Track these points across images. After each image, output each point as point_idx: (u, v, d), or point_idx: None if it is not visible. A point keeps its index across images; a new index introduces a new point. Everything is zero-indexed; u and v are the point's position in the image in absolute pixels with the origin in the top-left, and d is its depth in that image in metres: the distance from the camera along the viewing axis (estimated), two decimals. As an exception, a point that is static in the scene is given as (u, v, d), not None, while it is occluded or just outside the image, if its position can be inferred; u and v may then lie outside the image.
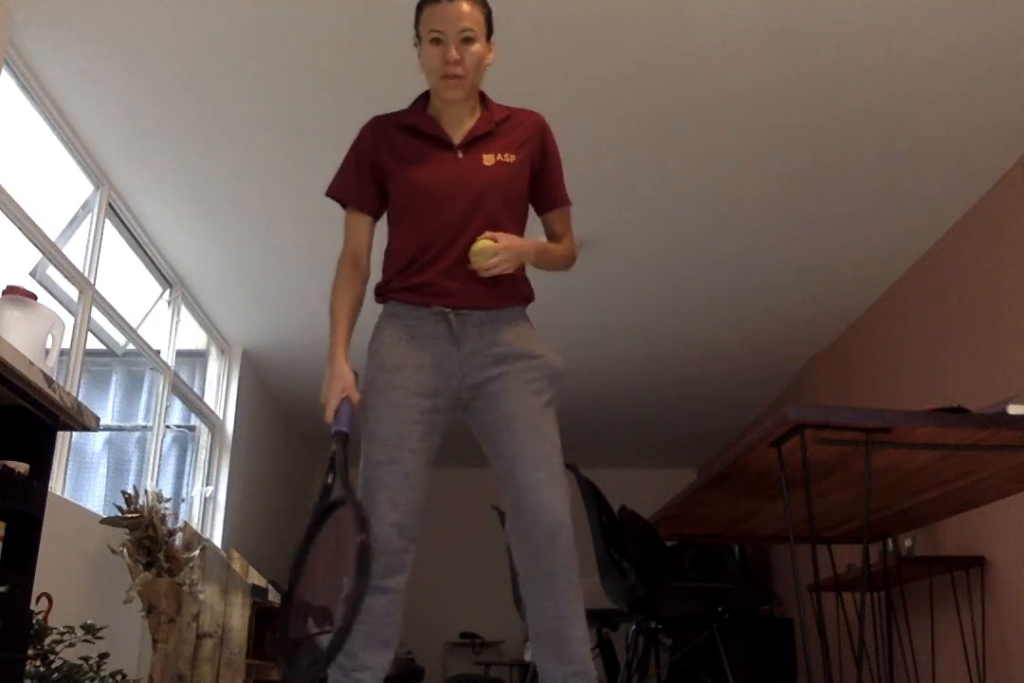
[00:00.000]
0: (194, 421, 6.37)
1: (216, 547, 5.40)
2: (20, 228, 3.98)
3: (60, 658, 3.20)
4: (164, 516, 4.25)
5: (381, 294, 2.16)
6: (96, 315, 4.76)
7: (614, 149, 4.45)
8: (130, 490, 4.27)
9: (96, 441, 5.13)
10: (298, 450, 8.91)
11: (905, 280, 5.63)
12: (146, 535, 4.15)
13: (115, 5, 3.54)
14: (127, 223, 5.04)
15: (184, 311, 6.01)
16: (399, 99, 2.36)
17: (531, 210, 2.25)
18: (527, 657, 7.37)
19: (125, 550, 4.16)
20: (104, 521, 4.17)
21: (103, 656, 3.46)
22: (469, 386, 2.08)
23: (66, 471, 4.36)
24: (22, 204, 3.93)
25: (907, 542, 5.25)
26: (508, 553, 4.60)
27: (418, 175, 2.10)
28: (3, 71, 3.74)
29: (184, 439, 6.31)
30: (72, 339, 4.51)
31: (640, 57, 3.83)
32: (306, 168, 4.57)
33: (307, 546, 1.88)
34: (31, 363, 2.36)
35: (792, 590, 7.66)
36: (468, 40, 2.06)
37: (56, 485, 4.20)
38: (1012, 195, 4.52)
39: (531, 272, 2.23)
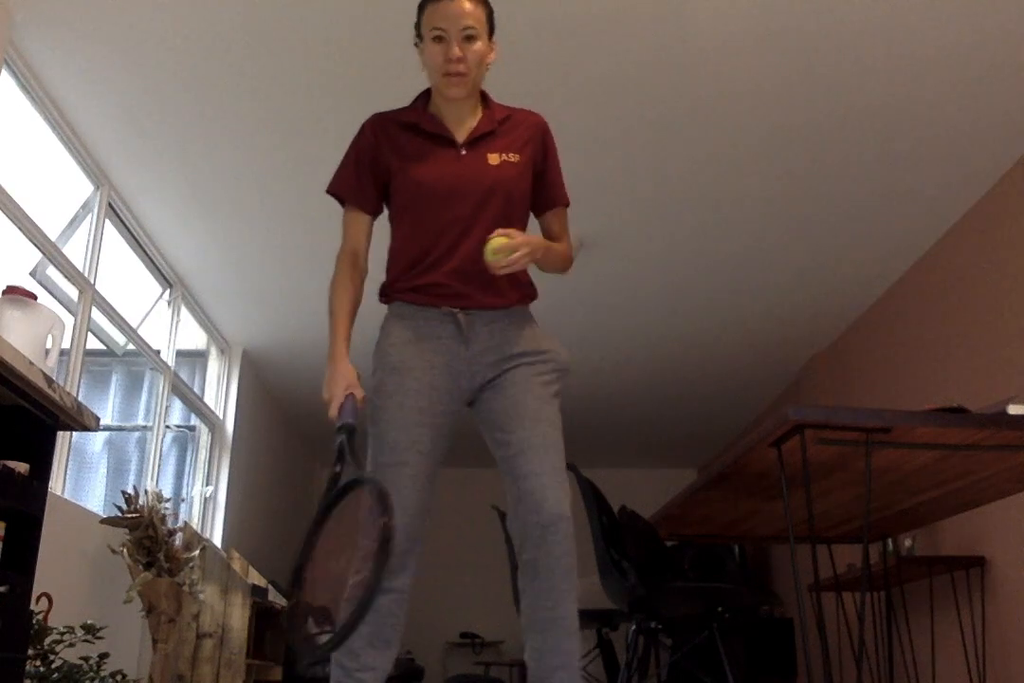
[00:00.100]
0: (194, 421, 6.37)
1: (216, 547, 5.40)
2: (20, 228, 3.98)
3: (60, 658, 3.20)
4: (164, 516, 4.25)
5: (386, 294, 2.15)
6: (96, 315, 4.76)
7: (614, 149, 4.45)
8: (130, 490, 4.27)
9: (96, 441, 5.13)
10: (298, 450, 8.91)
11: (905, 280, 5.63)
12: (146, 535, 4.15)
13: (115, 5, 3.54)
14: (127, 223, 5.04)
15: (184, 311, 6.01)
16: (399, 99, 2.35)
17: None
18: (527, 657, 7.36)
19: (125, 550, 4.16)
20: (104, 521, 4.17)
21: (103, 656, 3.46)
22: (479, 385, 2.08)
23: (66, 471, 4.36)
24: (22, 204, 3.93)
25: (907, 542, 5.24)
26: (508, 546, 4.61)
27: (420, 173, 2.08)
28: (3, 71, 3.74)
29: (184, 439, 6.31)
30: (72, 339, 4.51)
31: (640, 57, 3.83)
32: (306, 168, 4.57)
33: (316, 530, 1.83)
34: (31, 363, 2.36)
35: (792, 590, 7.66)
36: (470, 38, 2.05)
37: (56, 485, 4.20)
38: (1012, 195, 4.52)
39: (531, 272, 2.23)
